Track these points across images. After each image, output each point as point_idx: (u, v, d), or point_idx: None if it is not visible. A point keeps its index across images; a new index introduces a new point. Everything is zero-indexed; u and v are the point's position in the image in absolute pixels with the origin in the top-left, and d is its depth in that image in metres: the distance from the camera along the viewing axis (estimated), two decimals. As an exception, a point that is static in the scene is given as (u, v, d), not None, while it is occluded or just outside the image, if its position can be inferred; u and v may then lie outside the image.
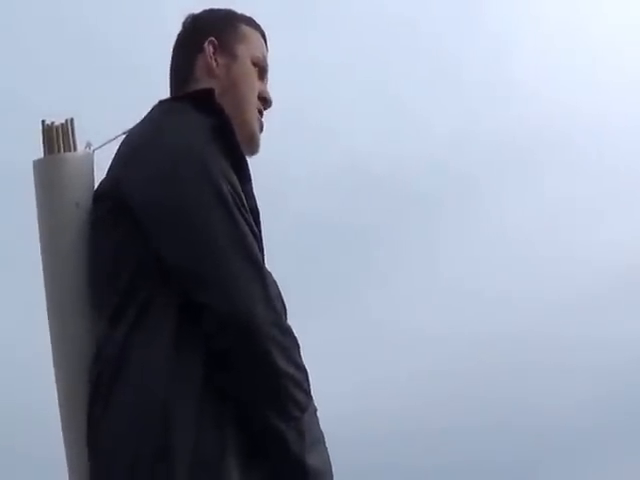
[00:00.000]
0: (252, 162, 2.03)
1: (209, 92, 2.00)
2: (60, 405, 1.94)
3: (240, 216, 1.86)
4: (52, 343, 1.96)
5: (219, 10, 2.22)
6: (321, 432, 1.90)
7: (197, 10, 2.23)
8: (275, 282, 1.91)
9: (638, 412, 5.90)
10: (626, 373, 5.84)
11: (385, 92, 5.89)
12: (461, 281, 5.96)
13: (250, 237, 1.86)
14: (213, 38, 2.13)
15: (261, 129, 2.15)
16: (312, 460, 1.84)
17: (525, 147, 6.09)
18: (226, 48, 2.13)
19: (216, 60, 2.12)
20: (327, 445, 1.91)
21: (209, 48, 2.12)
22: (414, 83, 5.93)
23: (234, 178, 1.89)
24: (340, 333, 5.45)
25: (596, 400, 5.85)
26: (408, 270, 5.90)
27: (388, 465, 5.46)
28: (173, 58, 2.18)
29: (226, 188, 1.86)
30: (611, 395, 5.89)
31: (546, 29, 6.14)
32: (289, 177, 5.25)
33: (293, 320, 1.90)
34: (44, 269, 1.96)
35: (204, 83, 2.09)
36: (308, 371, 1.87)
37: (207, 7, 2.25)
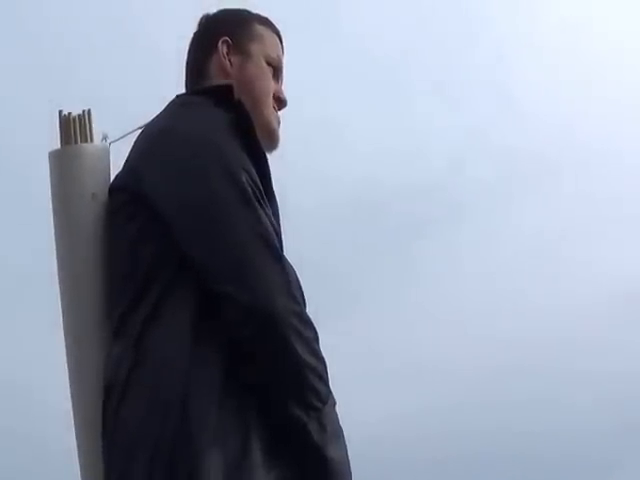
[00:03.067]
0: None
1: (228, 87, 2.01)
2: (73, 405, 1.92)
3: (259, 207, 1.85)
4: (65, 337, 1.94)
5: (234, 10, 2.23)
6: (340, 426, 1.88)
7: (212, 10, 2.24)
8: (295, 272, 1.90)
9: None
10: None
11: (394, 105, 5.91)
12: (462, 309, 5.96)
13: (269, 227, 1.85)
14: (227, 37, 2.13)
15: (279, 124, 2.15)
16: (333, 452, 1.82)
17: (525, 168, 6.11)
18: (240, 47, 2.14)
19: (230, 59, 2.12)
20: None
21: (222, 48, 2.12)
22: (414, 107, 5.95)
23: (253, 170, 1.89)
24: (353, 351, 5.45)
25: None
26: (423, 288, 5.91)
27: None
28: (188, 57, 2.19)
29: (245, 179, 1.85)
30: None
31: (547, 48, 6.18)
32: (303, 188, 5.26)
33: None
34: (59, 260, 1.95)
35: (217, 82, 2.08)
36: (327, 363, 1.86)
37: (222, 7, 2.26)
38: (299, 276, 1.91)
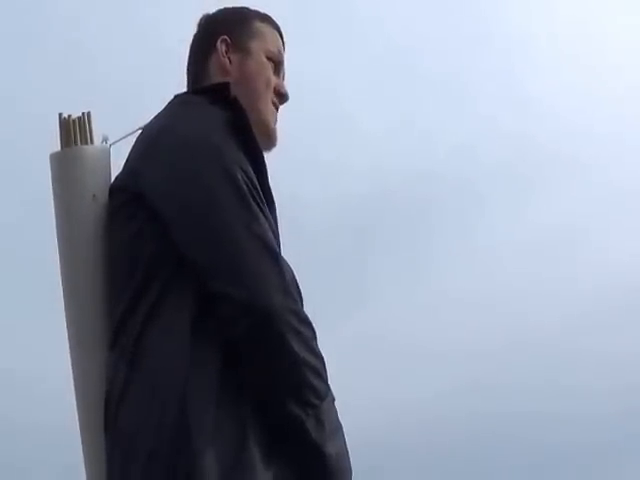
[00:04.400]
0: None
1: (225, 85, 2.02)
2: (77, 406, 1.94)
3: (255, 205, 1.86)
4: (69, 337, 1.97)
5: (232, 8, 2.24)
6: (339, 422, 1.89)
7: (212, 10, 2.25)
8: (291, 270, 1.92)
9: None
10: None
11: (397, 107, 5.90)
12: (469, 293, 5.97)
13: (266, 226, 1.87)
14: (225, 36, 2.14)
15: (275, 122, 2.15)
16: (332, 449, 1.84)
17: (534, 163, 6.10)
18: (239, 45, 2.15)
19: (229, 58, 2.13)
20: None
21: (221, 47, 2.14)
22: (425, 99, 5.95)
23: (250, 169, 1.90)
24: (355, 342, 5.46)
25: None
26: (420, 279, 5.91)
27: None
28: (189, 59, 2.20)
29: (241, 178, 1.86)
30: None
31: (558, 45, 6.16)
32: (305, 183, 5.28)
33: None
34: (61, 260, 1.97)
35: (217, 81, 2.09)
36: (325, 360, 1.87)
37: (221, 6, 2.27)
38: (297, 274, 1.92)
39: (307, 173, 5.25)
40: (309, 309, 1.89)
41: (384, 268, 5.89)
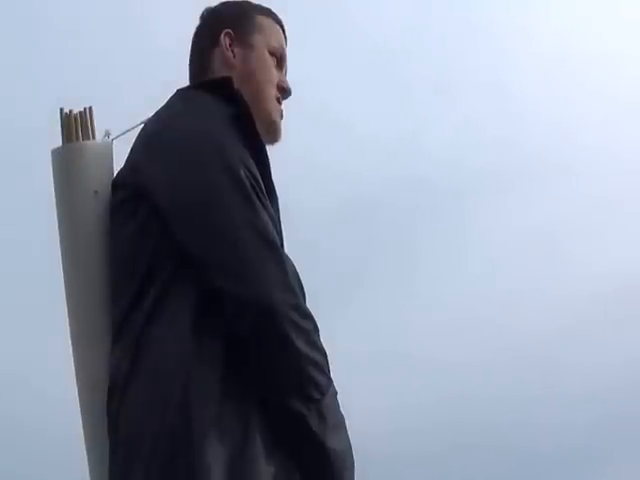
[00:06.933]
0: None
1: (227, 80, 2.01)
2: (80, 400, 1.94)
3: (258, 200, 1.85)
4: (71, 334, 1.96)
5: (234, 2, 2.23)
6: (342, 415, 1.89)
7: (214, 3, 2.24)
8: (293, 266, 1.90)
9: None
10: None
11: (386, 107, 5.91)
12: (460, 303, 5.96)
13: (268, 221, 1.86)
14: (229, 30, 2.14)
15: (281, 117, 2.15)
16: (333, 443, 1.83)
17: (523, 163, 6.09)
18: (242, 39, 2.14)
19: (232, 51, 2.13)
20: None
21: (225, 40, 2.13)
22: (412, 100, 5.95)
23: (252, 164, 1.89)
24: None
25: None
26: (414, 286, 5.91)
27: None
28: (192, 52, 2.20)
29: (244, 173, 1.85)
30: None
31: (543, 43, 6.17)
32: (296, 191, 5.28)
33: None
34: (63, 257, 1.96)
35: (221, 74, 2.09)
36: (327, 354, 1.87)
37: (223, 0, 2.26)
38: (299, 270, 1.91)
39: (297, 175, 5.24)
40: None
41: (373, 270, 5.90)
